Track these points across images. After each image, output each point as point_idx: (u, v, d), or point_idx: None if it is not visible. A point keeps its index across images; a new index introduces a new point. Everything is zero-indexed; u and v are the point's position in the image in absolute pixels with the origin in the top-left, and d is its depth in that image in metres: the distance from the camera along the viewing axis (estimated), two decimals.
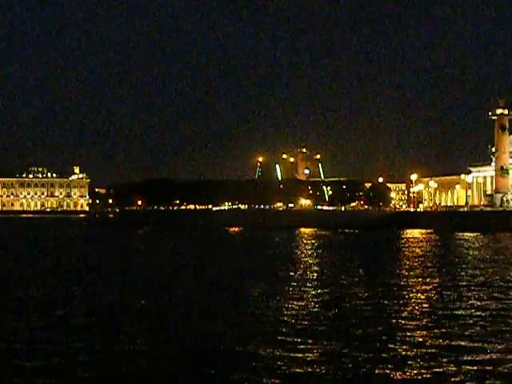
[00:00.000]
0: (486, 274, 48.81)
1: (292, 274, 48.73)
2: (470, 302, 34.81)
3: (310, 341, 24.95)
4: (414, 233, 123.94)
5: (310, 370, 21.01)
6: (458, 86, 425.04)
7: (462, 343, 24.49)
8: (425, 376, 20.40)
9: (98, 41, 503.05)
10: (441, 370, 20.99)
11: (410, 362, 21.89)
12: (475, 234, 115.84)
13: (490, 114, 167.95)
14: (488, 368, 21.15)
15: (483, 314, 30.69)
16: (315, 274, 48.96)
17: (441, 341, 24.98)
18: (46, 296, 37.63)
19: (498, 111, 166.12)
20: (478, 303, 34.18)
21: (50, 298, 36.96)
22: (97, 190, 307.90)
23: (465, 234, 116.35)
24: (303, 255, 69.44)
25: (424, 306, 33.56)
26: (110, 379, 20.66)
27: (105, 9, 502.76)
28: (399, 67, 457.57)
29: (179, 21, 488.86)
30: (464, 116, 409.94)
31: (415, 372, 20.76)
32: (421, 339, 25.35)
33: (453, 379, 20.00)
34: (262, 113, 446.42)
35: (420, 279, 45.15)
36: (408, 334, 26.35)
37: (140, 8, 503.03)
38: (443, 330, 27.01)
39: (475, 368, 21.09)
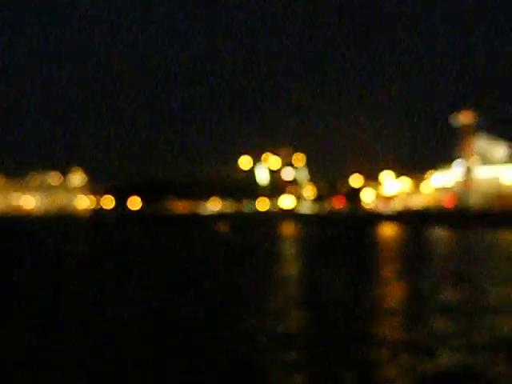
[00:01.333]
0: (455, 266, 46.86)
1: (275, 269, 46.39)
2: (439, 294, 32.25)
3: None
4: (387, 229, 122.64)
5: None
6: (427, 93, 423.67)
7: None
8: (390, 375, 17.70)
9: (98, 43, 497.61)
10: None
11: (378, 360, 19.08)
12: (443, 229, 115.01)
13: (455, 119, 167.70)
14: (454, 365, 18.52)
15: (452, 309, 28.12)
16: (296, 270, 46.55)
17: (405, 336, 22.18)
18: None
19: (464, 116, 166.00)
20: (447, 296, 31.63)
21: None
22: (97, 191, 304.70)
23: (434, 230, 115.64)
24: (286, 251, 67.48)
25: (392, 301, 30.91)
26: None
27: (103, 13, 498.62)
28: (375, 78, 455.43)
29: (170, 27, 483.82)
30: (432, 121, 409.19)
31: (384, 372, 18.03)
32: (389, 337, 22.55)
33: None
34: (248, 116, 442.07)
35: (390, 273, 42.91)
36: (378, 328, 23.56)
37: (136, 15, 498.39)
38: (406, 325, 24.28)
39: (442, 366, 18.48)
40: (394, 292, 34.85)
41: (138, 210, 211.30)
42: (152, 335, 24.77)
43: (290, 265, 52.94)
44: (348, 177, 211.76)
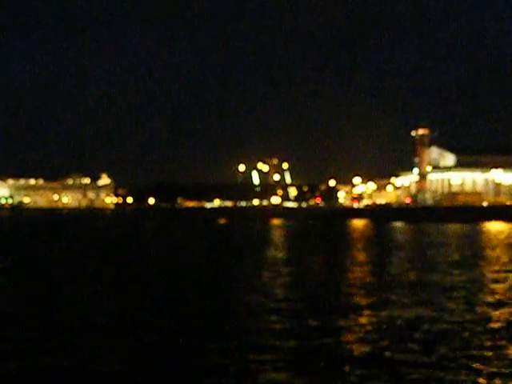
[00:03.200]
0: (411, 252, 48.53)
1: (266, 255, 48.02)
2: (398, 274, 34.20)
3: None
4: (357, 223, 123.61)
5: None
6: (390, 113, 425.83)
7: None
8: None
9: (121, 57, 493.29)
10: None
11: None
12: (403, 223, 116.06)
13: (414, 133, 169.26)
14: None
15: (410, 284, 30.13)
16: (282, 255, 48.36)
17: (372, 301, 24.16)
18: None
19: (420, 131, 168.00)
20: (407, 276, 33.54)
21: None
22: (119, 191, 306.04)
23: (395, 223, 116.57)
24: (274, 240, 68.66)
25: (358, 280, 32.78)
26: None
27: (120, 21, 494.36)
28: (350, 102, 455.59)
29: (173, 34, 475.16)
30: (395, 134, 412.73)
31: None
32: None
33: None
34: (245, 134, 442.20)
35: (357, 257, 44.64)
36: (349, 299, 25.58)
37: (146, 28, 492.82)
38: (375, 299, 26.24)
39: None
40: (358, 269, 37.02)
41: (150, 206, 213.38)
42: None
43: (278, 248, 54.92)
44: (324, 180, 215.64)
